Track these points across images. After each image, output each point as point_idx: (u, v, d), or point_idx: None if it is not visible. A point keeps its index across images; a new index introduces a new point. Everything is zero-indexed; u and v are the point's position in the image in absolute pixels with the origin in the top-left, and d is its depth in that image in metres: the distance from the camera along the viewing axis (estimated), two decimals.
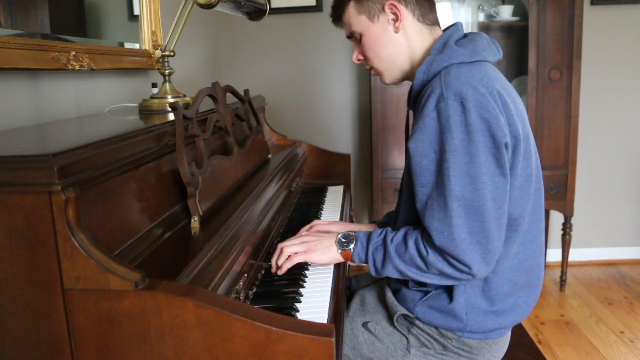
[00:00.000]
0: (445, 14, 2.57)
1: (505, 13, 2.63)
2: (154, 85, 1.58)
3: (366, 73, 2.81)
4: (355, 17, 1.15)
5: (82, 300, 0.73)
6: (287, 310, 1.00)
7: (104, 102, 1.57)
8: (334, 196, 1.85)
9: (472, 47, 1.07)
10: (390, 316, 1.18)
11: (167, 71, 1.43)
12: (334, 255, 1.16)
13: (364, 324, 1.20)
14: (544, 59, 2.51)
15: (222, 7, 1.40)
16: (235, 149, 1.30)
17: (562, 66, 2.51)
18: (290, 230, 1.43)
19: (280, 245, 1.18)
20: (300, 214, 1.62)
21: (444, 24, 1.19)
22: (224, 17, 2.83)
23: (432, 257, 1.02)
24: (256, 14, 1.66)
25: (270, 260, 1.21)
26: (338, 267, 1.23)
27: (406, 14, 1.12)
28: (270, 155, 1.65)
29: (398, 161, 2.60)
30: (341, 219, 1.63)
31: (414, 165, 1.03)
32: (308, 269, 1.21)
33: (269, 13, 1.69)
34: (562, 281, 2.79)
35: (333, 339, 0.71)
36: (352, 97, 2.98)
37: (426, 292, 1.12)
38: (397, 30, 1.13)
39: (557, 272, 2.91)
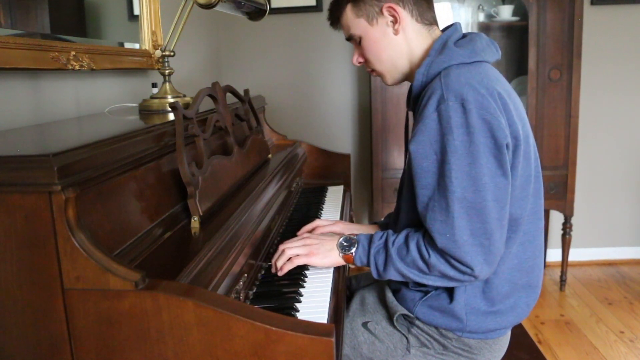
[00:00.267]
0: (445, 14, 2.57)
1: (505, 13, 2.63)
2: (154, 85, 1.58)
3: (366, 73, 2.81)
4: (353, 21, 1.15)
5: (82, 300, 0.73)
6: (287, 310, 1.00)
7: (104, 102, 1.57)
8: (334, 196, 1.85)
9: (471, 48, 1.07)
10: (390, 316, 1.18)
11: (167, 71, 1.43)
12: (336, 258, 1.16)
13: (364, 324, 1.20)
14: (544, 59, 2.51)
15: (222, 7, 1.40)
16: (235, 149, 1.30)
17: (562, 66, 2.51)
18: (290, 230, 1.43)
19: (281, 247, 1.18)
20: (300, 214, 1.62)
21: (443, 24, 1.18)
22: (224, 17, 2.83)
23: (434, 259, 1.02)
24: (256, 14, 1.66)
25: (270, 260, 1.21)
26: (338, 267, 1.23)
27: (404, 15, 1.12)
28: (270, 155, 1.65)
29: (398, 161, 2.60)
30: (341, 218, 1.63)
31: (415, 167, 1.03)
32: (308, 269, 1.21)
33: (269, 13, 1.69)
34: (562, 281, 2.79)
35: (333, 339, 0.71)
36: (352, 97, 2.98)
37: (426, 292, 1.12)
38: (396, 32, 1.13)
39: (557, 272, 2.91)
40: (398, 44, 1.14)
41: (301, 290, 1.10)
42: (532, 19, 2.48)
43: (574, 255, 3.03)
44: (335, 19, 1.20)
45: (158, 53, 1.45)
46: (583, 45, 2.53)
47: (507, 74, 2.80)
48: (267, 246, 1.26)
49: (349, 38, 1.19)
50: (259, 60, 2.94)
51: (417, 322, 1.14)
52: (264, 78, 2.94)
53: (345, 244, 1.15)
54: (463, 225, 0.98)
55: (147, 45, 1.82)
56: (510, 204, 1.04)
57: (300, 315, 1.00)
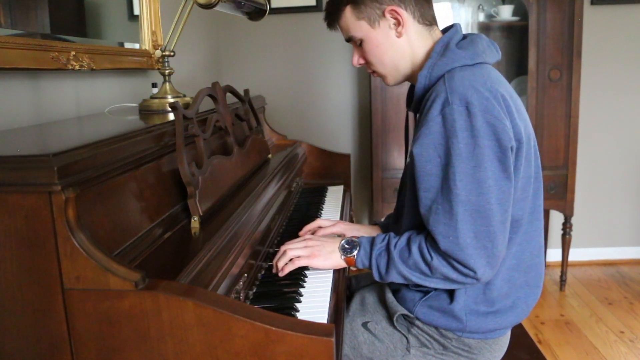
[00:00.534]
0: (445, 14, 2.57)
1: (505, 13, 2.63)
2: (154, 85, 1.58)
3: (366, 73, 2.81)
4: (354, 23, 1.13)
5: (82, 300, 0.73)
6: (287, 310, 1.00)
7: (104, 102, 1.57)
8: (334, 196, 1.85)
9: (473, 50, 1.07)
10: (390, 316, 1.18)
11: (167, 71, 1.43)
12: (337, 261, 1.16)
13: (364, 324, 1.20)
14: (544, 59, 2.51)
15: (222, 7, 1.40)
16: (235, 149, 1.30)
17: (562, 66, 2.51)
18: (291, 230, 1.43)
19: (283, 247, 1.18)
20: (300, 214, 1.62)
21: (443, 24, 1.18)
22: (224, 17, 2.83)
23: (437, 262, 1.02)
24: (256, 14, 1.66)
25: (270, 260, 1.21)
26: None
27: (406, 17, 1.10)
28: (270, 155, 1.65)
29: (398, 161, 2.60)
30: (341, 218, 1.63)
31: (418, 170, 1.03)
32: (308, 269, 1.21)
33: (269, 13, 1.69)
34: (562, 281, 2.79)
35: (333, 339, 0.71)
36: (352, 97, 2.98)
37: (426, 292, 1.12)
38: (399, 35, 1.12)
39: (557, 272, 2.91)
40: (401, 47, 1.13)
41: (301, 290, 1.10)
42: (532, 19, 2.48)
43: (574, 255, 3.03)
44: (333, 21, 1.18)
45: (158, 53, 1.45)
46: (583, 45, 2.53)
47: (507, 74, 2.80)
48: (267, 246, 1.26)
49: (349, 39, 1.18)
50: (259, 60, 2.94)
51: (417, 322, 1.14)
52: (264, 78, 2.94)
53: (347, 246, 1.15)
54: (467, 228, 0.98)
55: (147, 45, 1.82)
56: (512, 205, 1.04)
57: (300, 315, 1.00)
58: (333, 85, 2.97)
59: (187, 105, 1.28)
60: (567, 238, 2.72)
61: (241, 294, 0.99)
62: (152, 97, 1.42)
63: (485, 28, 2.71)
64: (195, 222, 0.99)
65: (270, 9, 2.21)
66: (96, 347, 0.74)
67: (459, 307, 1.08)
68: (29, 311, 0.74)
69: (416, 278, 1.06)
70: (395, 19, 1.10)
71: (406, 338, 1.15)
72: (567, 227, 2.71)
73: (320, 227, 1.32)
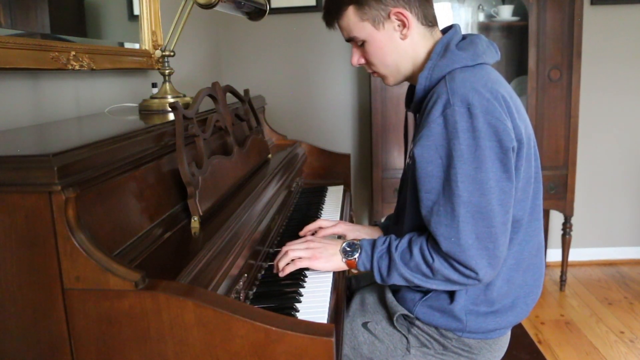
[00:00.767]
0: (445, 14, 2.57)
1: (505, 13, 2.63)
2: (154, 85, 1.58)
3: (366, 73, 2.81)
4: (357, 24, 1.11)
5: (82, 300, 0.73)
6: (287, 310, 1.00)
7: (104, 102, 1.57)
8: (334, 196, 1.85)
9: (473, 51, 1.07)
10: (390, 316, 1.18)
11: (167, 71, 1.43)
12: (338, 263, 1.16)
13: (364, 324, 1.20)
14: (544, 59, 2.51)
15: (222, 7, 1.40)
16: (235, 149, 1.30)
17: (562, 66, 2.51)
18: (291, 230, 1.43)
19: (285, 248, 1.18)
20: (300, 214, 1.62)
21: (443, 24, 1.18)
22: (224, 17, 2.83)
23: (438, 263, 1.02)
24: (256, 14, 1.66)
25: (270, 260, 1.21)
26: None
27: (411, 18, 1.09)
28: (270, 155, 1.65)
29: (398, 161, 2.60)
30: (341, 218, 1.63)
31: (419, 172, 1.03)
32: (309, 269, 1.21)
33: (269, 13, 1.69)
34: (562, 281, 2.79)
35: (333, 339, 0.71)
36: (352, 97, 2.98)
37: (426, 292, 1.12)
38: (404, 37, 1.11)
39: (557, 272, 2.91)
40: (404, 49, 1.12)
41: (301, 290, 1.10)
42: (532, 19, 2.48)
43: (574, 255, 3.03)
44: (333, 20, 1.16)
45: (158, 53, 1.45)
46: (583, 45, 2.53)
47: (507, 74, 2.80)
48: (267, 246, 1.26)
49: (350, 40, 1.16)
50: (259, 60, 2.94)
51: (417, 322, 1.14)
52: (264, 78, 2.94)
53: (348, 249, 1.15)
54: (469, 229, 0.98)
55: (147, 45, 1.82)
56: (512, 205, 1.04)
57: (300, 315, 1.00)
58: (333, 85, 2.97)
59: (187, 105, 1.28)
60: (567, 238, 2.72)
61: (241, 294, 0.99)
62: (152, 97, 1.42)
63: (485, 28, 2.71)
64: (195, 222, 0.99)
65: (270, 9, 2.21)
66: (96, 347, 0.74)
67: (458, 307, 1.09)
68: (29, 311, 0.74)
69: (418, 280, 1.06)
70: (401, 20, 1.09)
71: (406, 338, 1.15)
72: (567, 227, 2.71)
73: (321, 228, 1.32)
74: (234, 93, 1.46)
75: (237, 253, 0.96)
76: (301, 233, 1.32)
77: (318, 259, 1.15)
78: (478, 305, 1.09)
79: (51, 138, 1.03)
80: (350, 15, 1.11)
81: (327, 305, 1.04)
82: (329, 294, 1.09)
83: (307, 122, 2.99)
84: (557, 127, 2.56)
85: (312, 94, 2.98)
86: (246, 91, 1.60)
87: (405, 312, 1.14)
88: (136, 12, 1.80)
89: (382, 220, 1.47)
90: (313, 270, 1.20)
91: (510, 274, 1.10)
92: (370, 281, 1.38)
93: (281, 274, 1.15)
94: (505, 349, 1.19)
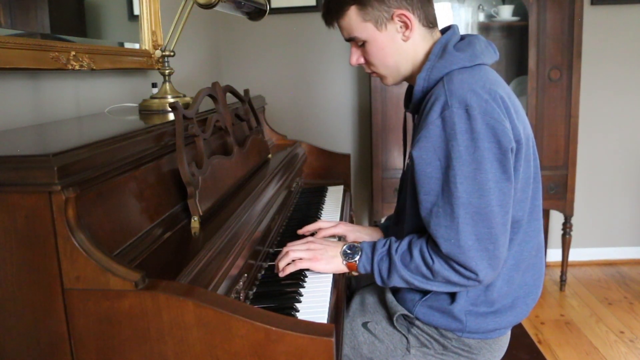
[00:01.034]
0: (445, 14, 2.57)
1: (505, 13, 2.63)
2: (154, 85, 1.58)
3: (366, 73, 2.80)
4: (359, 24, 1.10)
5: (82, 300, 0.73)
6: (287, 310, 1.00)
7: (104, 102, 1.57)
8: (334, 196, 1.85)
9: (471, 51, 1.07)
10: (390, 316, 1.18)
11: (167, 71, 1.43)
12: (339, 265, 1.16)
13: (364, 324, 1.20)
14: (544, 59, 2.51)
15: (222, 7, 1.40)
16: (235, 149, 1.30)
17: (562, 66, 2.51)
18: (290, 230, 1.43)
19: (285, 249, 1.18)
20: (300, 214, 1.62)
21: (443, 24, 1.17)
22: (224, 17, 2.83)
23: (438, 265, 1.02)
24: (256, 14, 1.66)
25: (270, 260, 1.21)
26: None
27: (413, 20, 1.09)
28: (270, 155, 1.65)
29: (398, 161, 2.60)
30: (341, 219, 1.63)
31: (418, 173, 1.03)
32: (309, 269, 1.21)
33: (269, 13, 1.69)
34: (562, 281, 2.79)
35: (333, 339, 0.71)
36: (352, 97, 2.98)
37: (426, 293, 1.12)
38: (406, 39, 1.10)
39: (557, 272, 2.91)
40: (405, 50, 1.11)
41: (301, 290, 1.10)
42: (532, 19, 2.48)
43: (574, 255, 3.03)
44: (334, 19, 1.14)
45: (158, 53, 1.45)
46: (583, 45, 2.53)
47: (507, 74, 2.80)
48: (267, 246, 1.26)
49: (350, 39, 1.15)
50: (259, 60, 2.94)
51: (417, 322, 1.14)
52: (264, 78, 2.94)
53: (348, 251, 1.15)
54: (468, 231, 0.98)
55: (147, 45, 1.82)
56: (512, 206, 1.04)
57: (300, 315, 1.00)
58: (333, 85, 2.97)
59: (187, 105, 1.28)
60: (567, 238, 2.72)
61: (241, 294, 0.99)
62: (152, 97, 1.42)
63: (485, 28, 2.71)
64: (195, 222, 0.99)
65: (270, 9, 2.21)
66: (96, 347, 0.74)
67: (458, 308, 1.09)
68: (29, 311, 0.74)
69: (418, 282, 1.06)
70: (404, 22, 1.09)
71: (406, 338, 1.15)
72: (567, 227, 2.71)
73: (320, 229, 1.33)
74: (234, 93, 1.46)
75: (237, 253, 0.96)
76: (299, 231, 1.32)
77: (319, 260, 1.16)
78: (478, 305, 1.09)
79: (51, 138, 1.03)
80: (352, 15, 1.10)
81: (327, 305, 1.04)
82: (329, 294, 1.09)
83: (307, 122, 3.00)
84: (557, 127, 2.56)
85: (312, 94, 2.98)
86: (246, 91, 1.60)
87: (405, 312, 1.14)
88: (136, 12, 1.80)
89: (382, 220, 1.47)
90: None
91: (510, 274, 1.10)
92: (370, 281, 1.38)
93: (281, 274, 1.15)
94: (505, 349, 1.19)
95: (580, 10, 2.44)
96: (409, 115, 1.23)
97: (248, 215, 1.12)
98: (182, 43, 1.84)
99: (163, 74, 1.43)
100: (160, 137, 1.01)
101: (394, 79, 1.18)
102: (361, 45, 1.14)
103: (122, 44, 1.72)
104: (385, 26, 1.09)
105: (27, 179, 0.70)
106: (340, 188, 1.97)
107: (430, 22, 1.12)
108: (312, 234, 1.33)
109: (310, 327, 0.72)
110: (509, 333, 1.20)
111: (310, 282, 1.15)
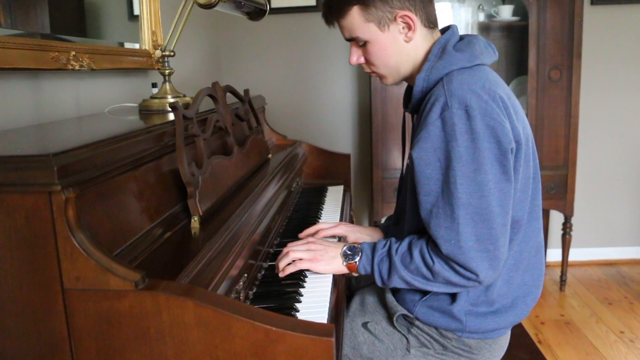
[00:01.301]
0: (445, 14, 2.57)
1: (505, 13, 2.63)
2: (154, 85, 1.58)
3: (366, 73, 2.80)
4: (362, 24, 1.09)
5: (82, 300, 0.73)
6: (287, 310, 1.00)
7: (104, 102, 1.57)
8: (334, 196, 1.85)
9: (470, 52, 1.07)
10: (390, 316, 1.18)
11: (167, 71, 1.43)
12: (339, 266, 1.16)
13: (364, 324, 1.20)
14: (544, 59, 2.51)
15: (222, 7, 1.40)
16: (235, 149, 1.30)
17: (562, 66, 2.51)
18: (290, 230, 1.43)
19: (286, 249, 1.18)
20: (300, 214, 1.62)
21: (443, 24, 1.17)
22: (224, 17, 2.83)
23: (438, 266, 1.02)
24: (256, 14, 1.66)
25: (270, 260, 1.21)
26: None
27: (416, 20, 1.08)
28: (270, 155, 1.65)
29: (398, 161, 2.60)
30: (341, 219, 1.63)
31: (418, 174, 1.03)
32: (309, 270, 1.21)
33: (269, 13, 1.69)
34: (562, 281, 2.79)
35: (333, 339, 0.71)
36: (352, 97, 2.98)
37: (426, 293, 1.12)
38: (408, 40, 1.10)
39: (557, 272, 2.91)
40: (407, 51, 1.11)
41: (301, 290, 1.10)
42: (532, 19, 2.48)
43: (574, 255, 3.03)
44: (335, 19, 1.14)
45: (158, 53, 1.45)
46: (583, 45, 2.53)
47: (507, 74, 2.80)
48: (267, 246, 1.26)
49: (351, 39, 1.14)
50: (259, 60, 2.94)
51: (417, 323, 1.14)
52: (264, 78, 2.94)
53: (349, 252, 1.15)
54: (469, 231, 0.98)
55: (147, 45, 1.82)
56: (512, 206, 1.04)
57: (300, 315, 1.00)
58: (333, 85, 2.97)
59: (187, 105, 1.28)
60: (567, 238, 2.72)
61: (241, 294, 0.99)
62: (152, 97, 1.42)
63: (485, 28, 2.71)
64: (195, 222, 0.99)
65: (270, 9, 2.21)
66: (96, 347, 0.74)
67: (458, 308, 1.09)
68: (29, 311, 0.74)
69: (418, 283, 1.06)
70: (407, 23, 1.08)
71: (406, 338, 1.15)
72: (567, 227, 2.71)
73: (321, 230, 1.33)
74: (234, 93, 1.46)
75: (237, 253, 0.96)
76: (301, 235, 1.32)
77: (319, 261, 1.16)
78: (478, 305, 1.09)
79: (51, 138, 1.03)
80: (355, 15, 1.09)
81: (327, 305, 1.04)
82: (329, 294, 1.09)
83: (307, 122, 2.99)
84: (557, 127, 2.56)
85: (312, 94, 2.98)
86: (246, 91, 1.60)
87: (405, 312, 1.14)
88: (136, 12, 1.80)
89: (382, 220, 1.47)
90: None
91: (510, 274, 1.10)
92: (370, 281, 1.38)
93: (282, 274, 1.15)
94: (505, 349, 1.19)
95: (580, 10, 2.44)
96: (408, 115, 1.23)
97: (248, 215, 1.12)
98: (182, 43, 1.84)
99: (163, 74, 1.43)
100: (160, 137, 1.01)
101: (393, 79, 1.18)
102: (362, 45, 1.14)
103: (122, 44, 1.72)
104: (388, 27, 1.09)
105: (27, 179, 0.70)
106: (340, 188, 1.97)
107: (431, 22, 1.12)
108: (313, 235, 1.33)
109: (310, 327, 0.72)
110: (509, 333, 1.20)
111: (310, 282, 1.15)
